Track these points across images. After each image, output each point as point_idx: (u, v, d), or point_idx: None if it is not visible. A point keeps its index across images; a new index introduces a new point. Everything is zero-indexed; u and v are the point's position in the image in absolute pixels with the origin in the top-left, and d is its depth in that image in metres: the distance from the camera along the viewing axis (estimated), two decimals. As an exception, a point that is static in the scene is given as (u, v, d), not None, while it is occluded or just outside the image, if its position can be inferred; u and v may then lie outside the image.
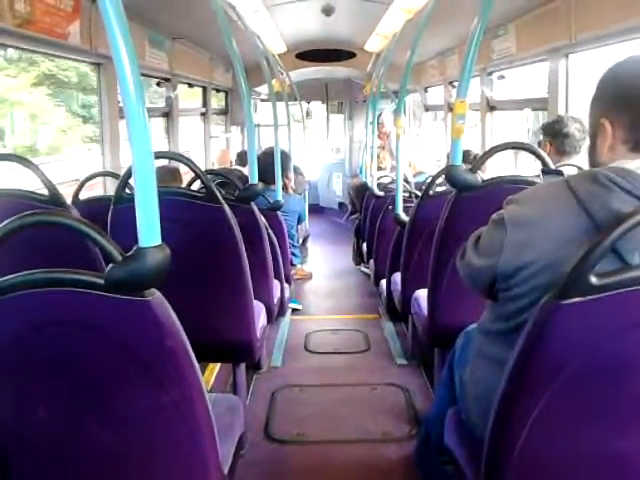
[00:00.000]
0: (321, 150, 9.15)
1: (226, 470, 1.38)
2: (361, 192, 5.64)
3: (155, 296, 1.10)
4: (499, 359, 1.23)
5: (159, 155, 2.02)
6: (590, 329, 1.01)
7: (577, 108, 3.09)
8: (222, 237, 1.96)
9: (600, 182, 1.05)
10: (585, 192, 1.07)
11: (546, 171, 1.44)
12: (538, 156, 1.95)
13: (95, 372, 1.16)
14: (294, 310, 4.17)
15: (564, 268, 1.00)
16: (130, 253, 1.07)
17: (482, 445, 1.21)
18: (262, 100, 7.91)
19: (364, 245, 4.91)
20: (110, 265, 1.06)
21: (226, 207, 1.96)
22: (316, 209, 8.62)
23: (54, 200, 1.89)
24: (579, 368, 1.03)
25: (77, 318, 1.10)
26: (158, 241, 1.09)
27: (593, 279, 0.96)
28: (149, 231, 1.08)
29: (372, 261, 4.28)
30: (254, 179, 2.61)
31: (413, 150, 6.67)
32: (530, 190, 1.23)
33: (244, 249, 2.01)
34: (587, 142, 1.25)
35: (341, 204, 8.68)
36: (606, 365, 1.04)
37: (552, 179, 1.27)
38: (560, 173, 1.43)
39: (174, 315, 1.14)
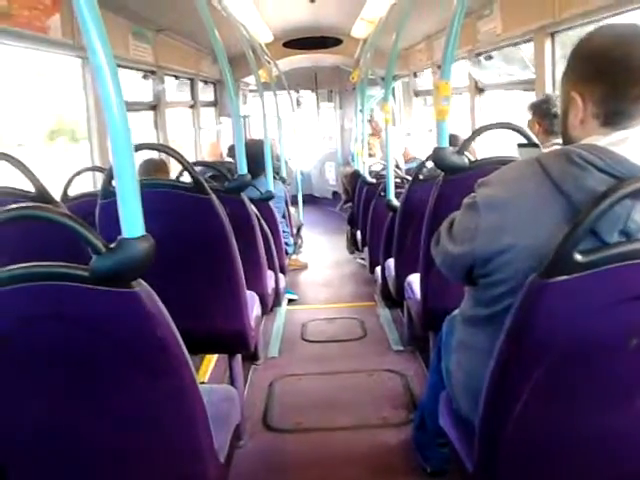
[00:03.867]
0: (312, 139, 9.12)
1: (222, 459, 1.38)
2: (353, 180, 5.63)
3: (142, 287, 1.09)
4: (482, 347, 1.23)
5: (142, 146, 2.01)
6: (577, 306, 1.01)
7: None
8: (211, 227, 1.95)
9: (574, 161, 1.03)
10: (559, 172, 1.05)
11: (522, 144, 1.42)
12: (525, 135, 1.94)
13: (84, 364, 1.15)
14: (290, 301, 4.18)
15: (544, 250, 0.99)
16: (114, 244, 1.06)
17: (474, 429, 1.22)
18: (251, 91, 7.87)
19: (358, 233, 4.91)
20: (94, 257, 1.05)
21: (214, 197, 1.94)
22: (310, 199, 8.60)
23: (42, 197, 1.87)
24: (567, 346, 1.04)
25: (64, 311, 1.10)
26: (142, 231, 1.09)
27: (578, 257, 0.96)
28: (132, 222, 1.07)
29: (366, 248, 4.28)
30: (242, 170, 2.61)
31: (405, 136, 6.65)
32: (501, 171, 1.19)
33: (234, 239, 2.00)
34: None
35: (335, 193, 8.66)
36: (593, 341, 1.04)
37: (527, 154, 1.25)
38: (536, 145, 1.40)
39: (162, 305, 1.13)
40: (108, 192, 1.84)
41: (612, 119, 1.06)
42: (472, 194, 1.20)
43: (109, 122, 1.05)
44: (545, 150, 1.32)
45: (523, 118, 2.68)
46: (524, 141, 1.89)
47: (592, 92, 1.07)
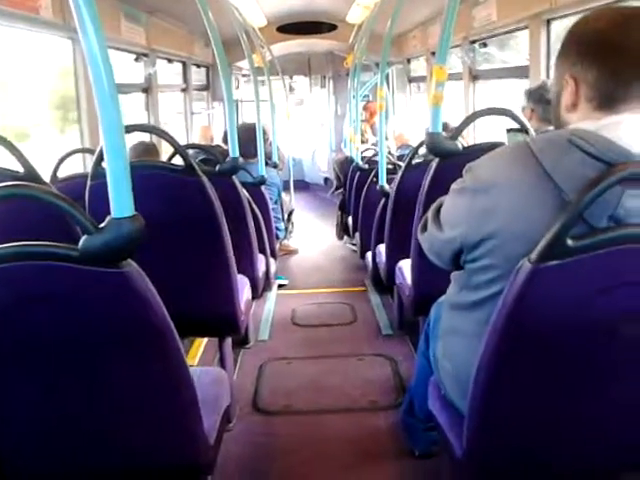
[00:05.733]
0: (305, 125, 9.08)
1: (212, 441, 1.38)
2: (345, 166, 5.61)
3: (131, 267, 1.09)
4: (470, 333, 1.22)
5: (133, 128, 1.99)
6: (568, 291, 1.01)
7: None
8: (201, 209, 1.94)
9: (564, 147, 1.02)
10: (549, 158, 1.03)
11: (511, 129, 1.40)
12: (518, 121, 1.94)
13: (73, 344, 1.15)
14: (280, 286, 4.18)
15: (534, 235, 0.99)
16: (103, 224, 1.05)
17: (462, 414, 1.22)
18: (244, 75, 7.81)
19: (349, 219, 4.91)
20: (84, 236, 1.04)
21: (204, 179, 1.93)
22: (301, 185, 8.58)
23: (31, 178, 1.85)
24: (558, 330, 1.04)
25: (53, 291, 1.09)
26: (131, 211, 1.08)
27: (569, 241, 0.96)
28: (122, 201, 1.07)
29: (357, 234, 4.28)
30: (235, 153, 2.59)
31: (399, 122, 6.64)
32: (490, 156, 1.16)
33: (225, 222, 1.99)
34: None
35: (326, 179, 8.64)
36: (584, 326, 1.04)
37: (515, 140, 1.23)
38: (525, 131, 1.37)
39: (152, 286, 1.13)
40: (98, 173, 1.83)
41: (606, 103, 1.04)
42: (460, 179, 1.19)
43: (100, 102, 1.04)
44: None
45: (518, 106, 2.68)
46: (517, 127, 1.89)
47: (586, 75, 1.05)
